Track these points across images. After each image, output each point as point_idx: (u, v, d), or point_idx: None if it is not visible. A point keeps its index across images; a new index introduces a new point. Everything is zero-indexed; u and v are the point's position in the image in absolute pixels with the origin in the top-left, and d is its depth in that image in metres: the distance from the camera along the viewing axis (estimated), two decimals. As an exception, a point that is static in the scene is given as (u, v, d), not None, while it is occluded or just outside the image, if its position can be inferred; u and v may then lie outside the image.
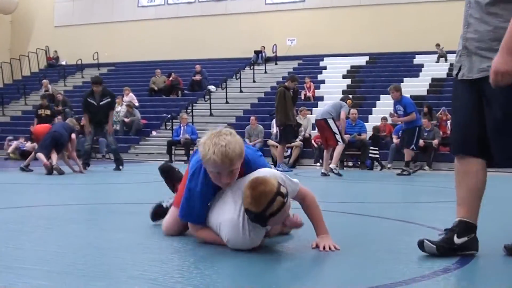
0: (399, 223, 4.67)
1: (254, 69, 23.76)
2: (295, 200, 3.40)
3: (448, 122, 16.38)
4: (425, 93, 19.01)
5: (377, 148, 14.97)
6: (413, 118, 11.63)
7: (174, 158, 17.11)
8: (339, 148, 10.96)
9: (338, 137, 10.89)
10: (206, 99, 21.32)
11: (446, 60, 21.03)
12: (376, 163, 14.97)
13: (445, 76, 20.15)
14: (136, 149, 19.30)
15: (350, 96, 15.35)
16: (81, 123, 18.31)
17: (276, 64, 24.86)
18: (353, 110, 14.92)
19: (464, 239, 3.08)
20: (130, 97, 20.94)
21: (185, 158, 16.86)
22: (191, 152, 16.93)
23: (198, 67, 23.43)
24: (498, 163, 3.14)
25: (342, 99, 11.95)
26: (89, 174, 10.77)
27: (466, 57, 3.14)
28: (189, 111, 20.17)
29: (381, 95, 18.48)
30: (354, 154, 15.32)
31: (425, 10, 22.61)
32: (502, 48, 2.80)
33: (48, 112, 17.43)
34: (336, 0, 25.10)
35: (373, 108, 18.57)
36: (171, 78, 23.32)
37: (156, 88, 23.36)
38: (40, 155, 10.36)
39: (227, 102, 21.52)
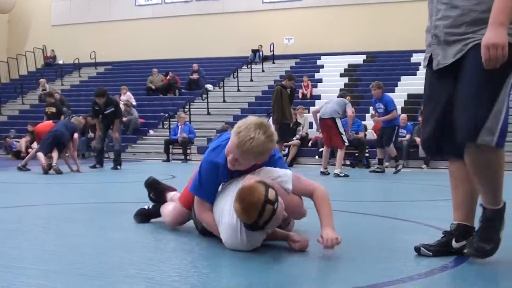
0: (396, 221, 4.67)
1: (251, 68, 23.75)
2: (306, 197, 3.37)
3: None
4: (422, 92, 18.98)
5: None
6: (394, 117, 11.68)
7: (171, 157, 17.10)
8: (341, 153, 10.88)
9: (344, 137, 10.84)
10: (203, 98, 21.31)
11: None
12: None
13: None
14: (133, 148, 19.29)
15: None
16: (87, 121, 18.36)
17: (273, 63, 24.86)
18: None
19: (463, 243, 3.03)
20: (128, 96, 20.93)
21: (183, 157, 16.88)
22: (188, 151, 16.97)
23: (195, 66, 23.41)
24: (459, 139, 2.89)
25: (341, 96, 11.87)
26: (87, 173, 10.76)
27: (437, 46, 3.00)
28: (186, 110, 20.16)
29: (379, 94, 18.48)
30: (352, 153, 15.31)
31: (422, 8, 22.39)
32: (491, 23, 2.69)
33: (53, 109, 17.41)
34: (333, -1, 25.14)
35: (370, 107, 18.52)
36: (168, 77, 23.30)
37: (153, 87, 23.35)
38: (40, 155, 10.34)
39: (224, 101, 21.51)
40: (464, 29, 2.85)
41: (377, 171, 12.04)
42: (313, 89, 20.68)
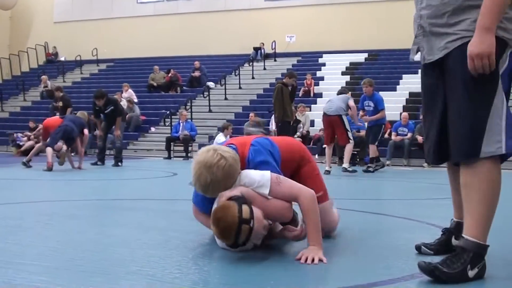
0: (397, 220, 4.67)
1: (253, 66, 23.73)
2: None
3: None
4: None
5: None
6: (383, 116, 11.51)
7: (173, 154, 17.10)
8: (350, 146, 10.88)
9: (350, 134, 10.83)
10: (205, 95, 21.30)
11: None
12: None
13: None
14: (135, 145, 19.29)
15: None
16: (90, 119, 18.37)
17: (275, 60, 24.84)
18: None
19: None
20: (129, 93, 20.92)
21: (184, 154, 16.88)
22: (190, 148, 16.97)
23: (197, 64, 23.40)
24: (453, 156, 2.69)
25: (341, 93, 11.83)
26: (89, 170, 10.76)
27: (422, 37, 2.78)
28: (188, 107, 20.15)
29: (380, 92, 18.43)
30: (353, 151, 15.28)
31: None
32: (477, 28, 2.50)
33: (61, 103, 17.45)
34: (335, -3, 25.12)
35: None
36: (170, 75, 23.30)
37: (155, 84, 23.35)
38: (49, 150, 10.31)
39: (226, 99, 21.51)
40: (446, 19, 2.64)
41: (369, 171, 11.50)
42: (315, 87, 20.68)
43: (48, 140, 10.68)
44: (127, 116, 19.58)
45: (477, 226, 2.58)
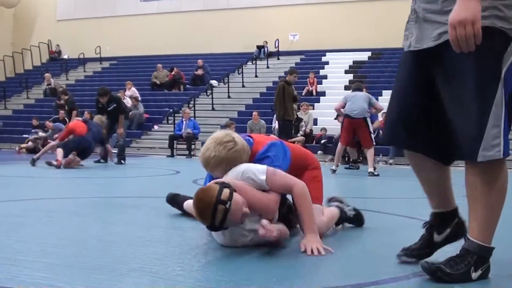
0: (399, 218, 4.67)
1: (256, 64, 23.74)
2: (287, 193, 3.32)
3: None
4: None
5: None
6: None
7: (176, 152, 17.11)
8: (372, 149, 10.50)
9: (373, 136, 10.58)
10: (208, 93, 21.32)
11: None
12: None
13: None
14: (138, 143, 19.32)
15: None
16: (84, 117, 18.40)
17: (278, 59, 24.84)
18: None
19: (446, 232, 2.80)
20: (132, 91, 20.95)
21: (187, 152, 16.89)
22: (193, 146, 16.99)
23: (200, 62, 23.42)
24: (458, 157, 2.61)
25: (358, 88, 10.93)
26: (92, 167, 10.77)
27: (414, 23, 2.55)
28: (191, 105, 20.17)
29: (384, 91, 18.44)
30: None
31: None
32: None
33: (66, 107, 17.63)
34: (338, -5, 25.10)
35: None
36: (173, 73, 23.32)
37: (158, 82, 23.37)
38: (59, 151, 10.30)
39: (229, 97, 21.52)
40: (441, 5, 2.39)
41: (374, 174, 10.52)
42: (318, 85, 20.67)
43: (61, 144, 10.58)
44: (130, 113, 19.62)
45: (481, 228, 2.51)
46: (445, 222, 2.79)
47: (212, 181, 3.13)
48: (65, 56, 29.22)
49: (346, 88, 19.55)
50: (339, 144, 10.87)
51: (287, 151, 3.56)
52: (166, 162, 14.30)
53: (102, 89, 12.64)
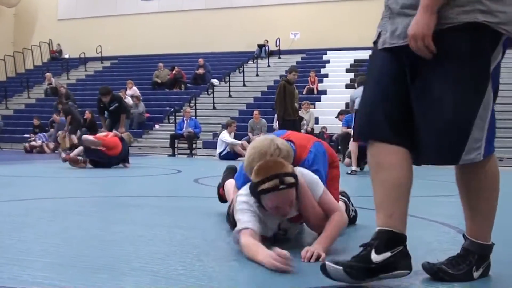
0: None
1: (257, 63, 23.74)
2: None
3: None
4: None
5: None
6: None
7: (177, 151, 17.12)
8: None
9: None
10: (209, 92, 21.33)
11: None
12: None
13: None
14: (139, 143, 19.32)
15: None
16: (85, 117, 18.44)
17: (279, 58, 24.84)
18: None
19: (386, 254, 2.27)
20: (133, 90, 20.97)
21: (188, 151, 16.89)
22: (194, 145, 17.00)
23: (201, 61, 23.42)
24: (426, 158, 2.35)
25: (363, 82, 10.75)
26: (92, 167, 10.75)
27: (388, 20, 2.41)
28: (192, 104, 20.17)
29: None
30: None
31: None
32: (421, 5, 2.18)
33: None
34: (339, -6, 25.09)
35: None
36: (174, 72, 23.32)
37: (159, 81, 23.38)
38: (79, 149, 10.28)
39: (230, 96, 21.53)
40: (415, 0, 2.24)
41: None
42: (319, 84, 20.68)
43: (89, 149, 10.29)
44: (133, 111, 19.65)
45: (478, 227, 2.48)
46: (388, 243, 2.30)
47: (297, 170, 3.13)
48: (66, 56, 29.24)
49: (347, 86, 19.58)
50: (353, 143, 10.21)
51: (325, 154, 3.57)
52: (167, 161, 14.30)
53: (105, 88, 12.65)
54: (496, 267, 2.65)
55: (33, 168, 10.04)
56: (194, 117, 18.40)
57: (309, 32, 24.82)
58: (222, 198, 4.26)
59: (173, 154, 16.88)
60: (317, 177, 3.23)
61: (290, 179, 2.92)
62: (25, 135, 18.89)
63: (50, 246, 3.11)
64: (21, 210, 4.60)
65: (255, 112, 17.23)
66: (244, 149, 13.43)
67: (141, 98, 20.63)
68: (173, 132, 17.56)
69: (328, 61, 23.21)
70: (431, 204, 5.73)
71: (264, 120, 17.24)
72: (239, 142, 15.33)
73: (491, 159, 2.39)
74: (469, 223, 2.49)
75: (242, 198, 3.09)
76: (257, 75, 23.24)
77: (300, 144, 3.49)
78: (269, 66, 24.00)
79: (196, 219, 3.77)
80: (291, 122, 12.03)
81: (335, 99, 19.21)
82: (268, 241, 3.06)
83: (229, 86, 21.63)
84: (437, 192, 6.98)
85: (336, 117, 16.29)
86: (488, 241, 2.50)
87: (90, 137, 10.46)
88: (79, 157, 10.13)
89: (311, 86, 20.40)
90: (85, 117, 18.72)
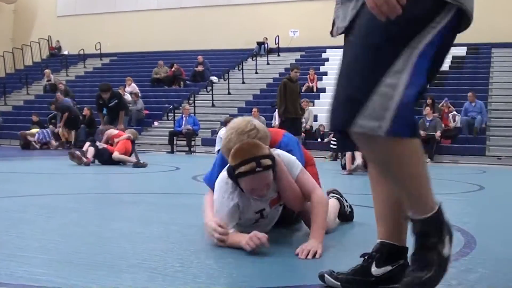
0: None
1: (256, 61, 23.73)
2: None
3: (450, 115, 16.39)
4: (427, 85, 18.95)
5: None
6: None
7: (175, 148, 17.12)
8: None
9: None
10: (208, 90, 21.32)
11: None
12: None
13: (447, 68, 20.14)
14: (138, 139, 19.27)
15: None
16: (84, 113, 18.45)
17: (278, 55, 24.83)
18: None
19: (386, 268, 2.23)
20: (132, 87, 20.96)
21: (187, 148, 16.89)
22: (192, 142, 17.01)
23: (200, 58, 23.41)
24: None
25: None
26: (92, 164, 10.75)
27: (340, 6, 2.24)
28: (191, 101, 20.17)
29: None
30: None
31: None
32: None
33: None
34: (339, -8, 25.05)
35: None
36: (173, 69, 23.31)
37: (159, 77, 23.37)
38: (91, 150, 10.29)
39: (229, 93, 21.52)
40: None
41: None
42: (318, 82, 20.67)
43: (98, 149, 10.44)
44: (132, 107, 19.65)
45: (413, 201, 2.06)
46: (389, 257, 2.25)
47: (274, 152, 3.13)
48: (65, 52, 29.21)
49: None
50: None
51: (299, 143, 3.63)
52: (166, 158, 14.30)
53: (105, 85, 12.66)
54: (497, 267, 2.65)
55: (30, 165, 10.03)
56: (193, 114, 18.40)
57: (308, 30, 24.78)
58: None
59: (172, 151, 16.88)
60: (294, 157, 3.27)
61: (267, 161, 2.93)
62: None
63: (48, 243, 3.11)
64: (18, 206, 4.60)
65: (254, 110, 17.23)
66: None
67: (140, 95, 20.62)
68: (172, 129, 17.56)
69: (327, 59, 23.19)
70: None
71: (263, 118, 17.23)
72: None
73: (403, 148, 1.98)
74: (407, 204, 2.10)
75: (221, 185, 3.12)
76: (256, 72, 23.23)
77: (273, 130, 3.57)
78: (268, 63, 23.99)
79: (194, 216, 3.76)
80: (291, 120, 11.86)
81: (334, 97, 19.17)
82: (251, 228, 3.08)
83: (228, 84, 21.63)
84: (439, 190, 6.95)
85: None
86: (430, 210, 2.06)
87: (119, 155, 10.49)
88: (79, 154, 10.17)
89: (310, 84, 20.40)
90: (83, 113, 18.72)
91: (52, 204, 4.84)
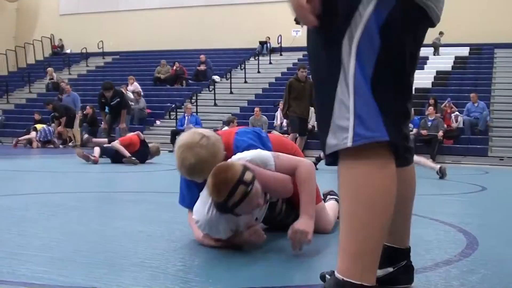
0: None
1: (259, 60, 23.71)
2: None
3: (453, 115, 16.37)
4: (429, 86, 18.96)
5: None
6: None
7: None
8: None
9: None
10: (210, 89, 21.31)
11: (438, 53, 21.18)
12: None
13: (450, 69, 20.13)
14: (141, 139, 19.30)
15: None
16: (85, 112, 18.45)
17: (281, 55, 24.81)
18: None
19: (388, 270, 2.17)
20: (134, 86, 20.95)
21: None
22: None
23: (203, 57, 23.40)
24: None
25: None
26: (100, 159, 10.74)
27: None
28: (193, 101, 20.16)
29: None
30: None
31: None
32: None
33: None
34: (342, -9, 25.03)
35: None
36: (175, 67, 23.31)
37: (161, 77, 23.37)
38: (97, 150, 10.33)
39: (231, 93, 21.51)
40: None
41: None
42: (320, 81, 20.66)
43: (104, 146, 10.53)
44: (134, 106, 19.65)
45: (345, 258, 1.79)
46: (391, 258, 2.17)
47: (235, 158, 2.99)
48: (68, 51, 29.21)
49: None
50: None
51: (260, 131, 3.46)
52: (168, 157, 14.28)
53: (108, 83, 12.71)
54: (499, 268, 2.65)
55: (33, 163, 10.03)
56: (195, 113, 18.39)
57: (311, 30, 24.78)
58: None
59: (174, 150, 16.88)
60: (258, 151, 3.09)
61: (248, 176, 2.79)
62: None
63: (50, 241, 3.11)
64: (21, 205, 4.60)
65: (256, 109, 17.22)
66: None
67: (142, 93, 20.61)
68: (174, 128, 17.56)
69: (329, 59, 23.17)
70: (434, 203, 5.72)
71: (265, 117, 17.23)
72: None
73: (371, 155, 1.76)
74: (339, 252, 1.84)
75: (205, 219, 2.94)
76: (258, 72, 23.22)
77: (224, 132, 3.41)
78: (270, 63, 23.97)
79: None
80: (295, 119, 11.63)
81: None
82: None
83: (231, 83, 21.61)
84: (441, 191, 6.97)
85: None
86: (360, 280, 1.76)
87: (118, 145, 10.49)
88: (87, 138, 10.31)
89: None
90: (85, 112, 18.71)
91: (54, 203, 4.84)
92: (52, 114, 18.80)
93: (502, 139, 16.09)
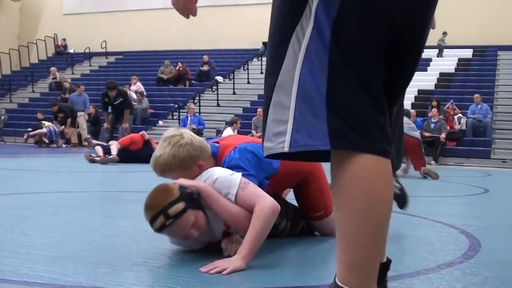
0: (403, 216, 4.66)
1: (262, 61, 23.69)
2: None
3: (455, 117, 16.36)
4: (432, 88, 18.95)
5: None
6: None
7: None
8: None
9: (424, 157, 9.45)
10: (213, 89, 21.32)
11: (441, 55, 21.15)
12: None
13: (453, 71, 20.11)
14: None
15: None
16: (89, 112, 18.47)
17: (284, 55, 24.80)
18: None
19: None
20: (138, 86, 20.97)
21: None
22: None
23: (206, 58, 23.41)
24: None
25: None
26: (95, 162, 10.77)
27: None
28: (196, 101, 20.18)
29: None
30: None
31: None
32: None
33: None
34: (345, -8, 25.02)
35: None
36: (178, 68, 23.32)
37: (165, 78, 23.38)
38: (99, 149, 10.37)
39: (234, 93, 21.51)
40: None
41: None
42: (323, 82, 20.66)
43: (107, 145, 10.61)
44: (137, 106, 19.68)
45: (340, 267, 1.71)
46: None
47: (182, 181, 2.81)
48: (71, 50, 29.23)
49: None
50: None
51: (258, 155, 3.04)
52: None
53: (111, 83, 12.75)
54: (501, 270, 2.64)
55: (36, 162, 10.04)
56: (198, 114, 18.41)
57: (314, 31, 24.79)
58: None
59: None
60: (230, 175, 2.83)
61: (177, 208, 2.62)
62: (29, 130, 18.78)
63: (52, 240, 3.11)
64: (23, 204, 4.61)
65: (259, 110, 17.23)
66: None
67: (145, 94, 20.63)
68: (177, 129, 17.57)
69: (331, 59, 23.17)
70: (437, 205, 5.71)
71: (267, 118, 17.23)
72: (242, 139, 15.32)
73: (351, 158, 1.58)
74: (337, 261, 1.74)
75: None
76: (261, 72, 23.18)
77: (227, 144, 3.16)
78: (273, 63, 23.97)
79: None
80: None
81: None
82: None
83: (234, 83, 21.62)
84: (444, 193, 6.95)
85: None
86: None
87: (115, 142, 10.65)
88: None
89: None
90: (88, 112, 18.73)
91: (56, 202, 4.84)
92: (55, 113, 18.82)
93: (505, 141, 16.07)
